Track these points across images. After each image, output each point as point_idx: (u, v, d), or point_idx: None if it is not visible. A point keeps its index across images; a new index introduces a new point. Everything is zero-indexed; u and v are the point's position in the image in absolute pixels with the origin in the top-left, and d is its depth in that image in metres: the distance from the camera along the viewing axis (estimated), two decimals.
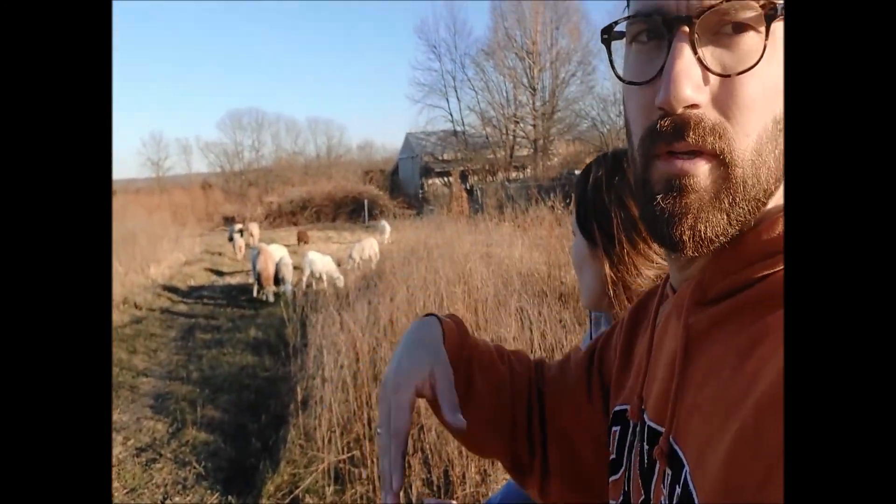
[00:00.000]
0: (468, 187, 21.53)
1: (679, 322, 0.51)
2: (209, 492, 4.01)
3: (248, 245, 15.30)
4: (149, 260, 12.52)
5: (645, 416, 0.55)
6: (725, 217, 0.45)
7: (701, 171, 0.45)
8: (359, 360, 4.69)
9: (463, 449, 3.54)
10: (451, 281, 5.14)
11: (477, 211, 13.35)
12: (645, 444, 0.54)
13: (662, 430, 0.50)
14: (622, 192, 0.96)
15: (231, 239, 16.11)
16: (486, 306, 4.83)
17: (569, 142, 28.44)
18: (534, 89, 28.00)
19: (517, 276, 5.64)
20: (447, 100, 29.44)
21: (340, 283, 9.18)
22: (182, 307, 9.94)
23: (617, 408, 0.64)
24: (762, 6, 0.43)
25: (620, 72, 0.50)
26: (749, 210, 0.46)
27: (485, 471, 3.49)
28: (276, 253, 10.33)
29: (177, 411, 5.26)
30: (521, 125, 28.33)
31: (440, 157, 29.55)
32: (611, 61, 0.52)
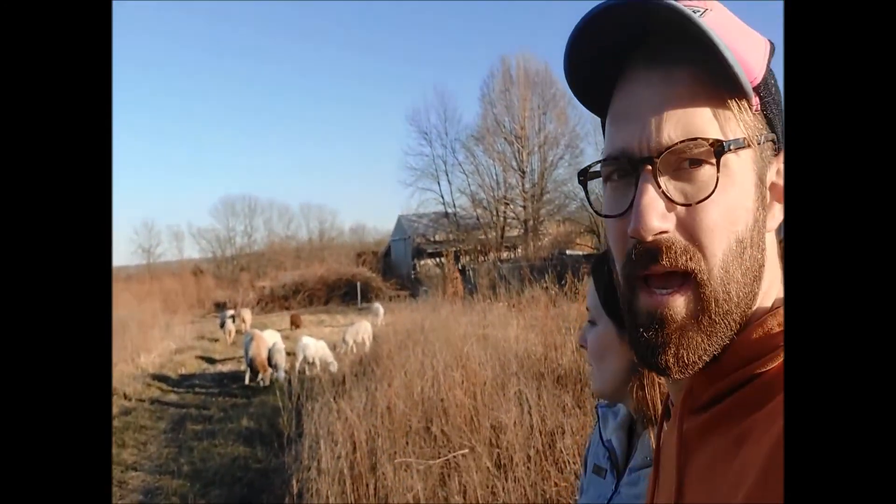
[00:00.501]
0: (460, 268, 21.65)
1: (674, 431, 0.55)
2: None
3: (239, 331, 15.15)
4: (139, 349, 12.34)
5: None
6: (706, 337, 0.50)
7: (678, 302, 0.50)
8: (356, 449, 4.58)
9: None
10: (448, 365, 5.11)
11: (471, 291, 13.38)
12: None
13: None
14: None
15: (223, 325, 15.96)
16: (483, 390, 4.78)
17: (558, 222, 28.89)
18: (523, 172, 28.75)
19: (514, 358, 5.61)
20: (438, 183, 30.15)
21: (334, 368, 9.06)
22: (172, 396, 9.72)
23: None
24: (711, 144, 0.49)
25: (598, 208, 0.57)
26: (726, 325, 0.50)
27: None
28: (270, 338, 10.23)
29: None
30: (512, 206, 28.89)
31: (432, 239, 29.90)
32: (587, 199, 0.62)
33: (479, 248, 27.29)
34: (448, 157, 30.06)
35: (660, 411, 0.98)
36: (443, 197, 29.96)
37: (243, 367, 10.39)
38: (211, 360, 12.97)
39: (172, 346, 14.17)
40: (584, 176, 0.58)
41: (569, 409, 4.40)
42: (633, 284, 0.53)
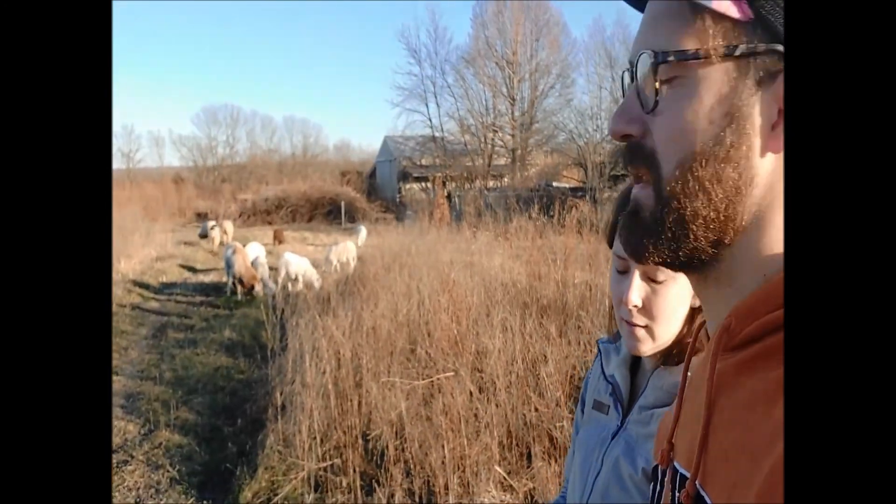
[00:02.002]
0: (447, 194, 21.55)
1: (706, 368, 0.52)
2: (184, 496, 3.92)
3: (221, 242, 15.07)
4: (119, 254, 12.22)
5: (675, 462, 0.57)
6: (655, 237, 0.52)
7: (642, 194, 0.53)
8: (340, 366, 4.66)
9: (446, 459, 3.53)
10: (435, 289, 5.14)
11: (457, 218, 13.37)
12: (677, 491, 0.55)
13: (689, 474, 0.51)
14: None
15: (205, 235, 15.85)
16: (469, 316, 4.84)
17: (546, 153, 28.70)
18: (513, 99, 28.19)
19: (500, 286, 5.66)
20: (427, 105, 29.45)
21: (318, 284, 9.11)
22: (153, 304, 9.73)
23: (654, 463, 0.65)
24: (651, 56, 0.50)
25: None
26: (683, 234, 0.51)
27: (468, 482, 3.49)
28: (253, 252, 10.19)
29: (149, 412, 5.14)
30: (500, 134, 28.49)
31: (418, 163, 29.54)
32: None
33: (465, 174, 27.08)
34: (437, 78, 29.26)
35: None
36: (431, 120, 29.39)
37: (225, 278, 10.38)
38: (192, 270, 12.95)
39: (153, 253, 14.08)
40: (622, 78, 0.61)
41: (552, 338, 4.48)
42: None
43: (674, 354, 0.98)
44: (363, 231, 14.00)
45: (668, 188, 0.51)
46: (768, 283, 0.48)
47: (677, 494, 0.54)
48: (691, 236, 0.51)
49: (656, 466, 0.63)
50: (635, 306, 0.96)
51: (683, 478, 0.54)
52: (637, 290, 0.96)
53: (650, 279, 0.96)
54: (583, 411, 1.17)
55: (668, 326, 0.97)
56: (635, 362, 1.08)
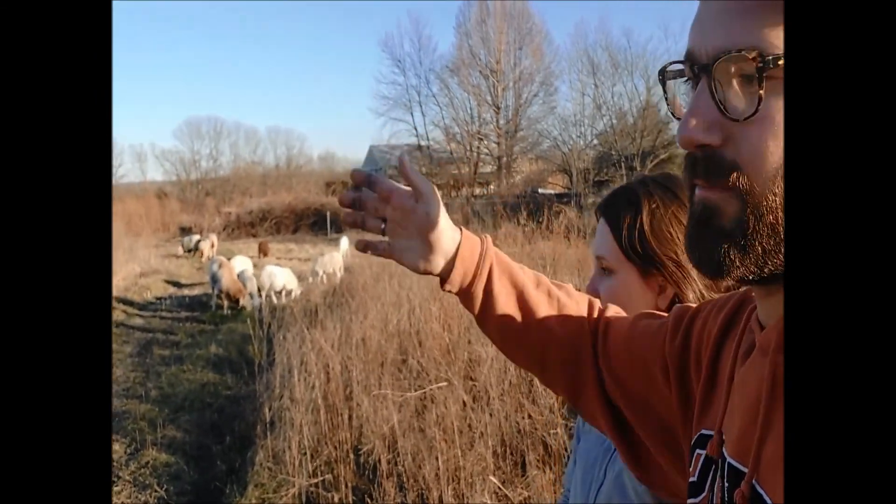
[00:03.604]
0: None
1: (765, 360, 0.50)
2: None
3: (209, 257, 14.94)
4: None
5: (724, 451, 0.54)
6: (743, 251, 0.47)
7: (723, 202, 0.48)
8: (330, 379, 4.58)
9: (440, 471, 3.47)
10: (425, 298, 5.08)
11: None
12: (725, 481, 0.53)
13: (744, 469, 0.49)
14: (685, 220, 0.94)
15: (191, 250, 15.69)
16: (461, 324, 4.79)
17: (531, 160, 28.82)
18: (497, 107, 28.31)
19: None
20: (412, 114, 29.51)
21: (296, 293, 9.04)
22: (138, 320, 9.58)
23: (703, 431, 0.63)
24: (753, 58, 0.45)
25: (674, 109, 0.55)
26: (774, 247, 0.47)
27: (462, 493, 3.42)
28: (240, 265, 10.09)
29: (135, 431, 5.03)
30: (485, 142, 28.59)
31: None
32: (665, 98, 0.57)
33: (452, 182, 27.12)
34: (422, 87, 29.36)
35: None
36: (416, 129, 29.44)
37: (212, 291, 10.25)
38: (177, 285, 12.79)
39: (137, 269, 13.89)
40: (663, 74, 0.55)
41: None
42: (691, 187, 0.52)
43: None
44: (345, 241, 13.80)
45: (763, 201, 0.46)
46: None
47: (725, 485, 0.52)
48: (782, 252, 0.46)
49: (707, 437, 0.61)
50: (594, 295, 0.99)
51: (734, 470, 0.51)
52: (592, 280, 1.01)
53: (605, 271, 1.00)
54: (584, 420, 1.13)
55: None
56: None
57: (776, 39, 0.45)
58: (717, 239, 0.48)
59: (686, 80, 0.53)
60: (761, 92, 0.44)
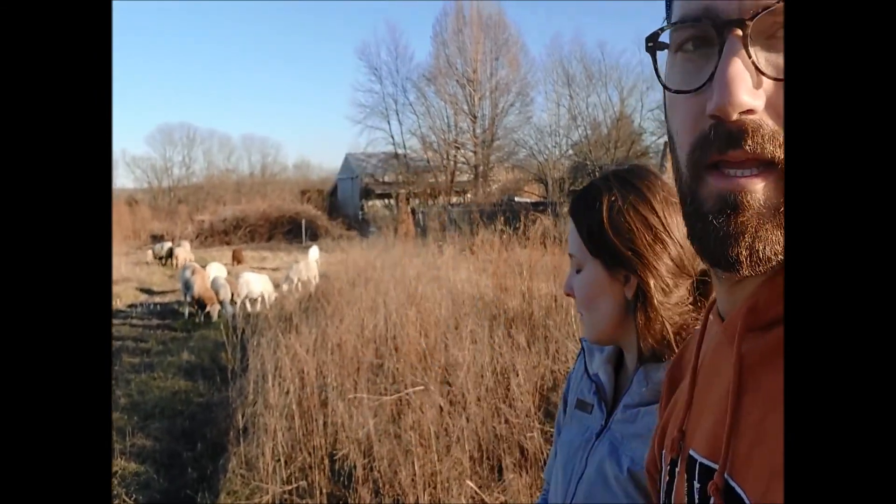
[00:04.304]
0: (411, 209, 21.55)
1: (731, 350, 0.47)
2: None
3: (182, 263, 14.70)
4: None
5: (692, 451, 0.52)
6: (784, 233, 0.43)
7: (757, 187, 0.43)
8: (305, 385, 4.52)
9: (416, 476, 3.44)
10: (402, 303, 5.06)
11: (422, 233, 13.32)
12: (696, 481, 0.50)
13: (715, 465, 0.46)
14: (643, 209, 0.94)
15: (161, 258, 15.42)
16: (437, 329, 4.77)
17: (508, 169, 29.01)
18: (474, 116, 28.47)
19: (467, 299, 5.62)
20: (388, 122, 29.50)
21: (272, 300, 8.95)
22: None
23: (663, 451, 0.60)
24: None
25: (667, 82, 0.49)
26: None
27: (439, 499, 3.40)
28: (214, 272, 9.94)
29: None
30: (462, 151, 28.71)
31: (381, 179, 29.48)
32: (656, 71, 0.50)
33: (429, 190, 27.14)
34: (399, 95, 29.40)
35: (672, 342, 0.94)
36: (393, 137, 29.43)
37: (185, 299, 10.07)
38: (149, 292, 12.56)
39: None
40: (654, 42, 0.49)
41: (521, 348, 4.45)
42: (700, 171, 0.45)
43: (657, 352, 0.95)
44: (315, 250, 13.48)
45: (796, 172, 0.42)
46: None
47: (696, 485, 0.49)
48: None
49: (662, 456, 0.58)
50: (568, 294, 1.03)
51: (704, 468, 0.49)
52: (567, 278, 1.04)
53: (576, 269, 1.02)
54: (565, 411, 1.14)
55: (593, 312, 1.00)
56: (619, 360, 1.05)
57: None
58: (744, 226, 0.43)
59: (679, 49, 0.47)
60: None
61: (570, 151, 26.58)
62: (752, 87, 0.42)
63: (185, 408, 5.68)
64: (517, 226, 7.63)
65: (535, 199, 24.04)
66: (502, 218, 9.04)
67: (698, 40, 0.45)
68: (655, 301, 0.92)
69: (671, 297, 0.93)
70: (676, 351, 0.90)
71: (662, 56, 0.51)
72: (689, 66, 0.46)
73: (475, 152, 28.44)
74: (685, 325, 0.94)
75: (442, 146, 28.46)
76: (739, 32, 0.42)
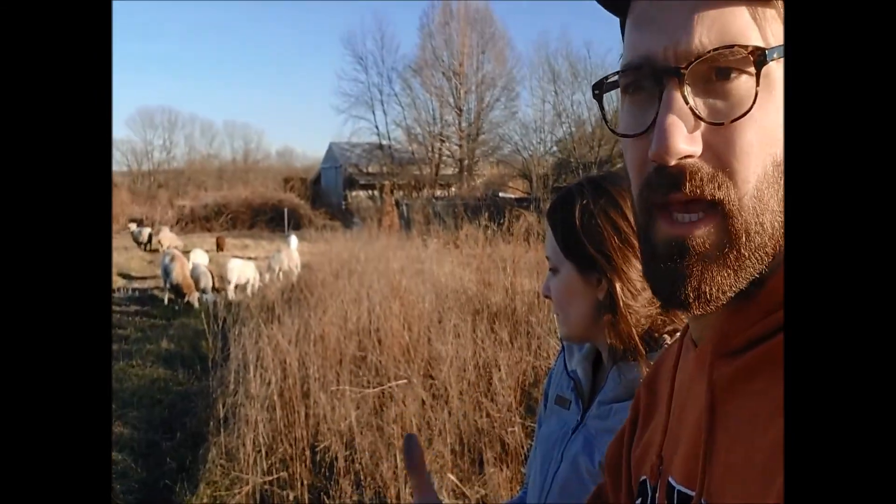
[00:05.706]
0: (395, 201, 21.49)
1: (703, 377, 0.48)
2: None
3: (155, 249, 14.52)
4: None
5: (670, 478, 0.52)
6: (732, 272, 0.45)
7: (701, 232, 0.45)
8: (286, 376, 4.51)
9: (397, 469, 3.45)
10: (385, 296, 5.06)
11: (406, 226, 13.28)
12: None
13: (691, 493, 0.47)
14: (613, 214, 0.97)
15: (141, 243, 15.19)
16: (420, 323, 4.79)
17: (492, 164, 29.06)
18: (460, 110, 28.45)
19: (450, 293, 5.63)
20: (373, 112, 29.38)
21: (255, 288, 8.90)
22: None
23: (642, 478, 0.60)
24: (750, 52, 0.43)
25: (614, 125, 0.50)
26: (758, 259, 0.45)
27: None
28: (196, 259, 9.84)
29: None
30: (447, 144, 28.69)
31: (365, 170, 29.35)
32: (602, 115, 0.53)
33: (413, 183, 27.08)
34: (384, 86, 29.37)
35: (638, 344, 0.97)
36: (377, 128, 29.32)
37: (164, 285, 9.96)
38: (127, 277, 12.39)
39: None
40: (600, 88, 0.51)
41: (504, 343, 4.48)
42: (650, 212, 0.47)
43: (631, 349, 0.98)
44: (294, 240, 13.32)
45: (742, 216, 0.44)
46: (763, 288, 0.45)
47: None
48: (759, 264, 0.45)
49: (644, 480, 0.58)
50: (546, 296, 1.07)
51: (682, 495, 0.49)
52: (545, 281, 1.07)
53: (552, 271, 1.05)
54: (545, 406, 1.16)
55: (567, 313, 1.03)
56: (597, 358, 1.08)
57: (769, 34, 0.44)
58: (690, 269, 0.45)
59: (625, 92, 0.49)
60: (757, 89, 0.42)
61: (555, 148, 26.69)
62: (689, 133, 0.43)
63: (163, 396, 5.64)
64: (501, 221, 7.65)
65: (519, 194, 24.11)
66: (487, 213, 9.07)
67: (640, 86, 0.47)
68: (622, 304, 0.95)
69: (638, 300, 0.96)
70: (642, 352, 0.95)
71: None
72: (635, 109, 0.48)
73: (460, 146, 28.44)
74: (653, 327, 0.98)
75: (427, 138, 28.43)
76: (676, 80, 0.43)
